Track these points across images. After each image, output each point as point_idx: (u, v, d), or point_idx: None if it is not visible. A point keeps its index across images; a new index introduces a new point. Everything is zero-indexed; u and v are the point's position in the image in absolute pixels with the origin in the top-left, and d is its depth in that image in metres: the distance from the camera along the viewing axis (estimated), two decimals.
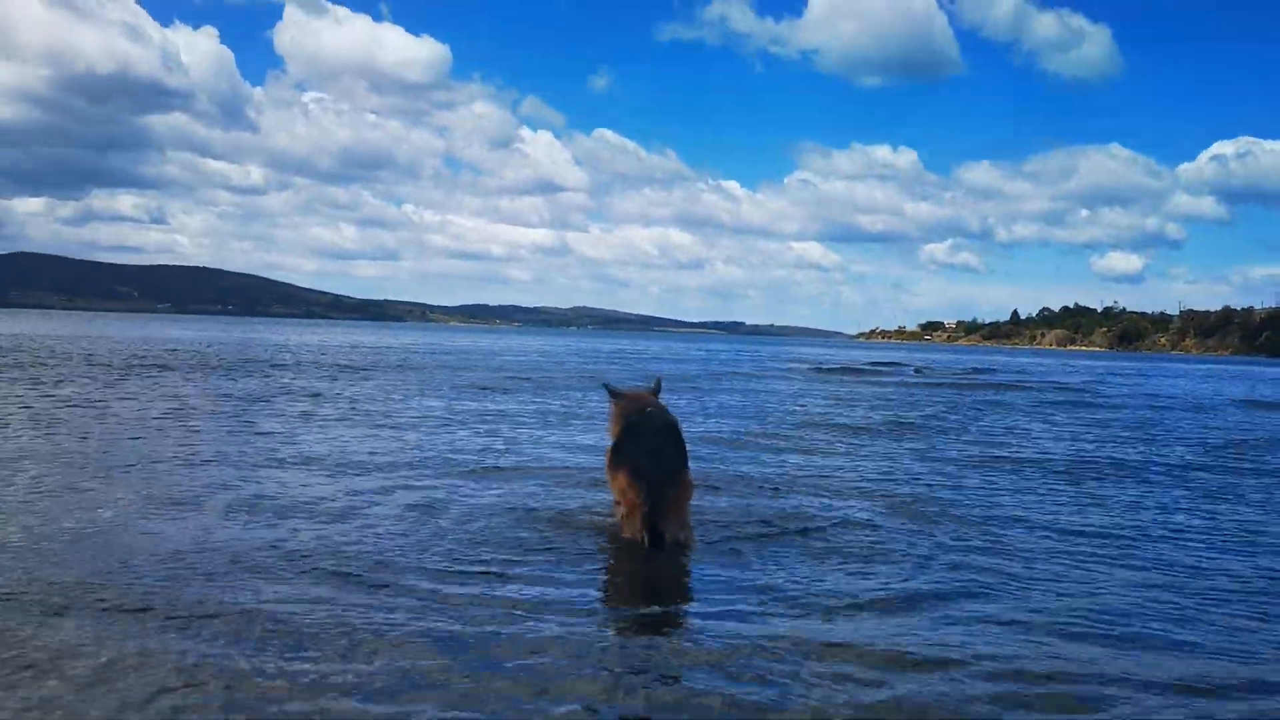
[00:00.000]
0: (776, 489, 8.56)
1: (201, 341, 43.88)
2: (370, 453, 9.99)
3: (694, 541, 6.21)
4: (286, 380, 20.17)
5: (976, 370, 43.21)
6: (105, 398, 15.11)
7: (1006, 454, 12.13)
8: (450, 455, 10.10)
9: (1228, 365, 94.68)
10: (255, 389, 17.45)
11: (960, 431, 14.70)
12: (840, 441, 12.78)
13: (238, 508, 7.02)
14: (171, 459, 9.11)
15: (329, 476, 8.49)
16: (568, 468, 9.46)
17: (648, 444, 6.10)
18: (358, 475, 8.56)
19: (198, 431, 11.17)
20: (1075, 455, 12.36)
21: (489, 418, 14.36)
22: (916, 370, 40.88)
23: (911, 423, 15.78)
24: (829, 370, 38.90)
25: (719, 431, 13.37)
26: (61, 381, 17.73)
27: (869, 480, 9.39)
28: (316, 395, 16.92)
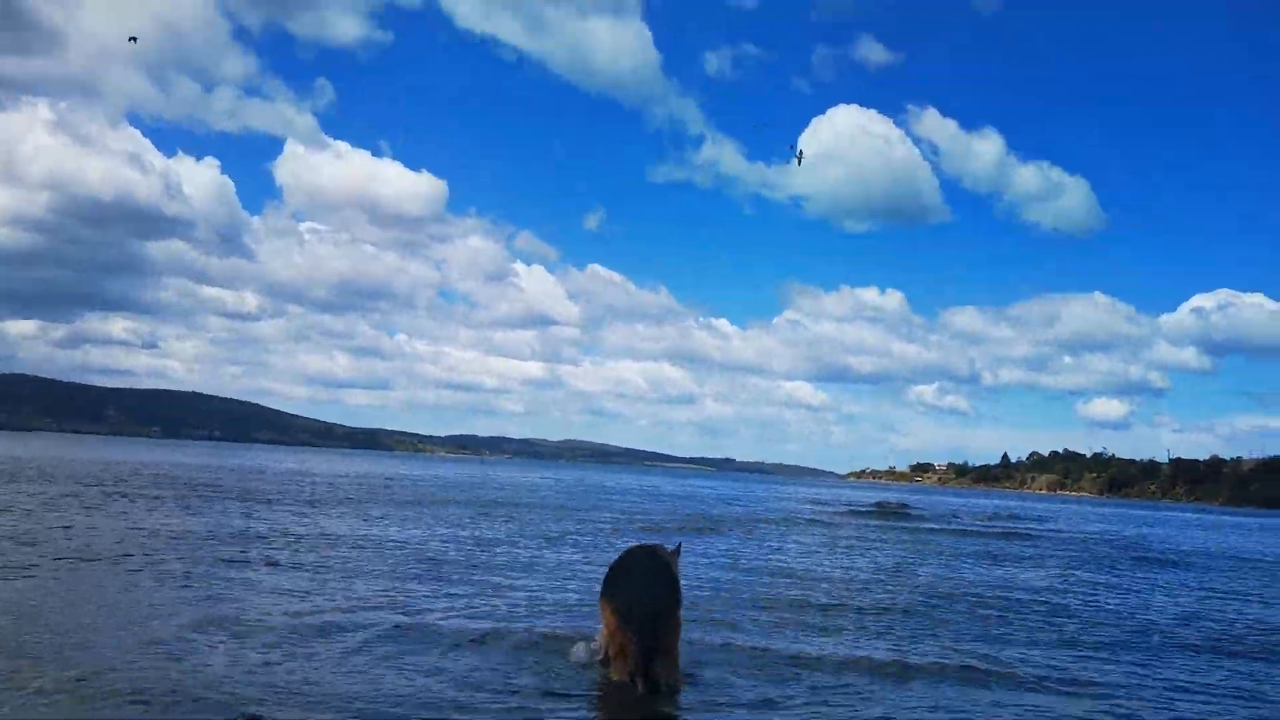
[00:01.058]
0: None
1: (185, 466, 42.91)
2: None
3: (681, 683, 6.02)
4: (255, 520, 19.19)
5: (996, 516, 42.12)
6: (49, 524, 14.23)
7: (1190, 637, 11.15)
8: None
9: (1233, 516, 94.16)
10: (215, 526, 16.49)
11: (1094, 610, 13.01)
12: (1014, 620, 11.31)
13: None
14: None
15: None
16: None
17: (637, 583, 5.94)
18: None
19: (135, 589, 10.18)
20: (1227, 630, 11.64)
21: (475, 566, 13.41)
22: (953, 515, 39.49)
23: (1046, 604, 14.30)
24: (863, 513, 38.20)
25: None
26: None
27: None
28: (278, 539, 15.97)
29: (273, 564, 11.39)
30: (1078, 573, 17.12)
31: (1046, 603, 13.50)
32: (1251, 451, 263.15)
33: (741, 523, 22.71)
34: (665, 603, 5.94)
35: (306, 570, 11.08)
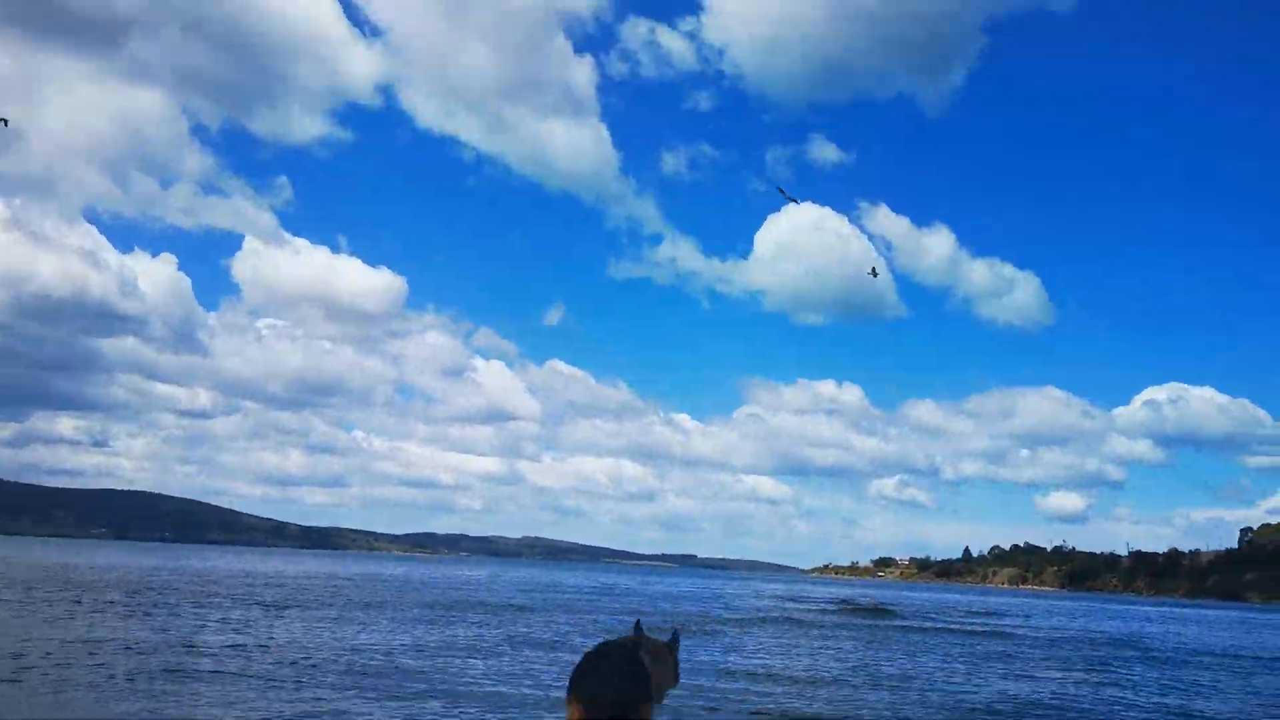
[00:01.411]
0: None
1: (134, 568, 41.46)
2: None
3: None
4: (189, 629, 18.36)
5: (973, 613, 41.38)
6: None
7: None
8: None
9: (1198, 610, 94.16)
10: (161, 633, 15.74)
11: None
12: None
13: None
14: None
15: None
16: None
17: (604, 677, 5.27)
18: None
19: None
20: None
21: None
22: (948, 614, 38.47)
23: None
24: (855, 610, 37.38)
25: None
26: None
27: None
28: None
29: (218, 672, 10.75)
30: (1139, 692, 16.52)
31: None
32: (1208, 543, 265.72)
33: (726, 623, 21.88)
34: (629, 694, 5.53)
35: (256, 679, 10.49)
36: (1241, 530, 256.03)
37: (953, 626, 27.78)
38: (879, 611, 34.72)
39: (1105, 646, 23.17)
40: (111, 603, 20.85)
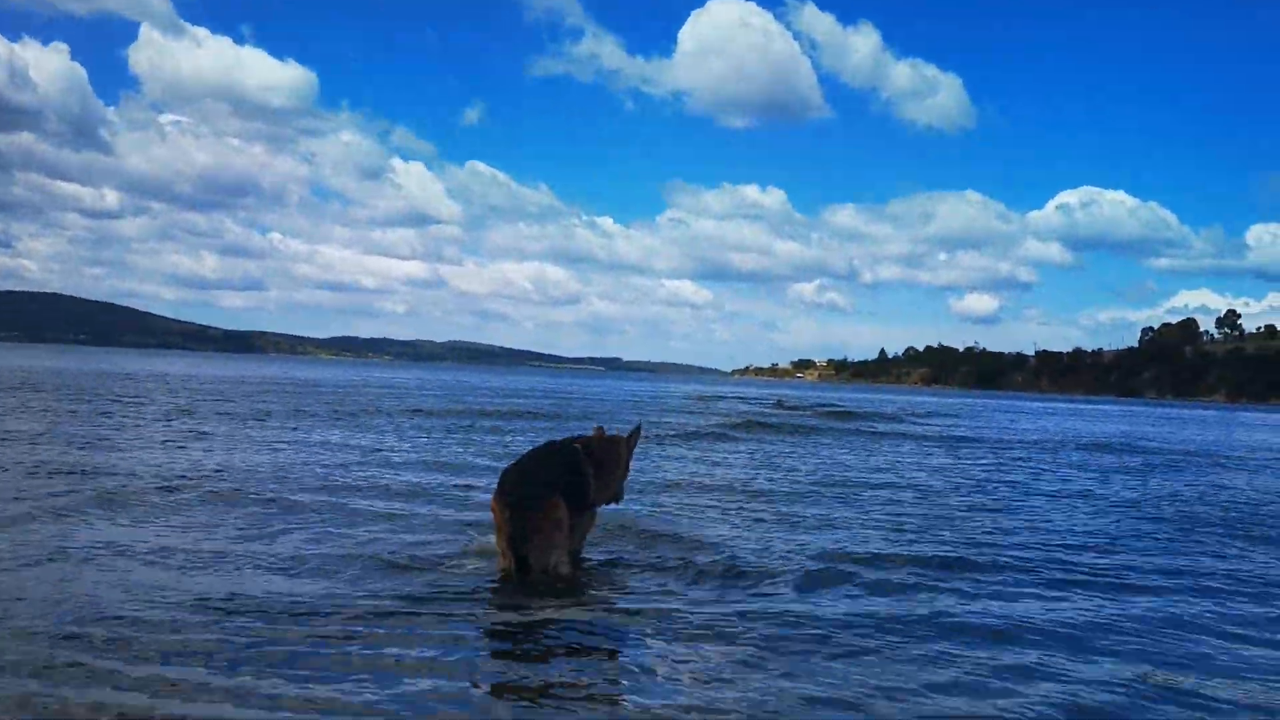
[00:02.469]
0: None
1: (48, 371, 41.04)
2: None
3: (565, 570, 6.07)
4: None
5: (928, 415, 40.41)
6: None
7: None
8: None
9: (1091, 404, 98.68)
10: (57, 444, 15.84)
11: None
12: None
13: None
14: None
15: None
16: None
17: (522, 467, 6.21)
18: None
19: None
20: None
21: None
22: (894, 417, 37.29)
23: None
24: (794, 408, 38.36)
25: None
26: None
27: None
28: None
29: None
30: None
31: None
32: (1111, 343, 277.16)
33: (700, 435, 21.34)
34: (539, 483, 6.06)
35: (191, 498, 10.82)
36: (1143, 330, 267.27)
37: (934, 433, 27.20)
38: (844, 415, 35.27)
39: (1124, 452, 23.29)
40: (30, 408, 20.75)
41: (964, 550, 7.93)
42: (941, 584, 6.61)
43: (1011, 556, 7.77)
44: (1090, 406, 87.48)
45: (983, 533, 9.07)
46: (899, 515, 9.97)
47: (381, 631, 4.91)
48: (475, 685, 4.33)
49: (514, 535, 5.92)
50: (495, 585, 6.02)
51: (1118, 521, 10.39)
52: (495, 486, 6.16)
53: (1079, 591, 6.67)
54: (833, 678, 4.52)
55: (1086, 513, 11.07)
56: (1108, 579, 7.13)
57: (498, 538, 6.13)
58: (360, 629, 4.92)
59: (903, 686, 4.43)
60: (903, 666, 4.74)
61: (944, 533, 8.92)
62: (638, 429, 7.26)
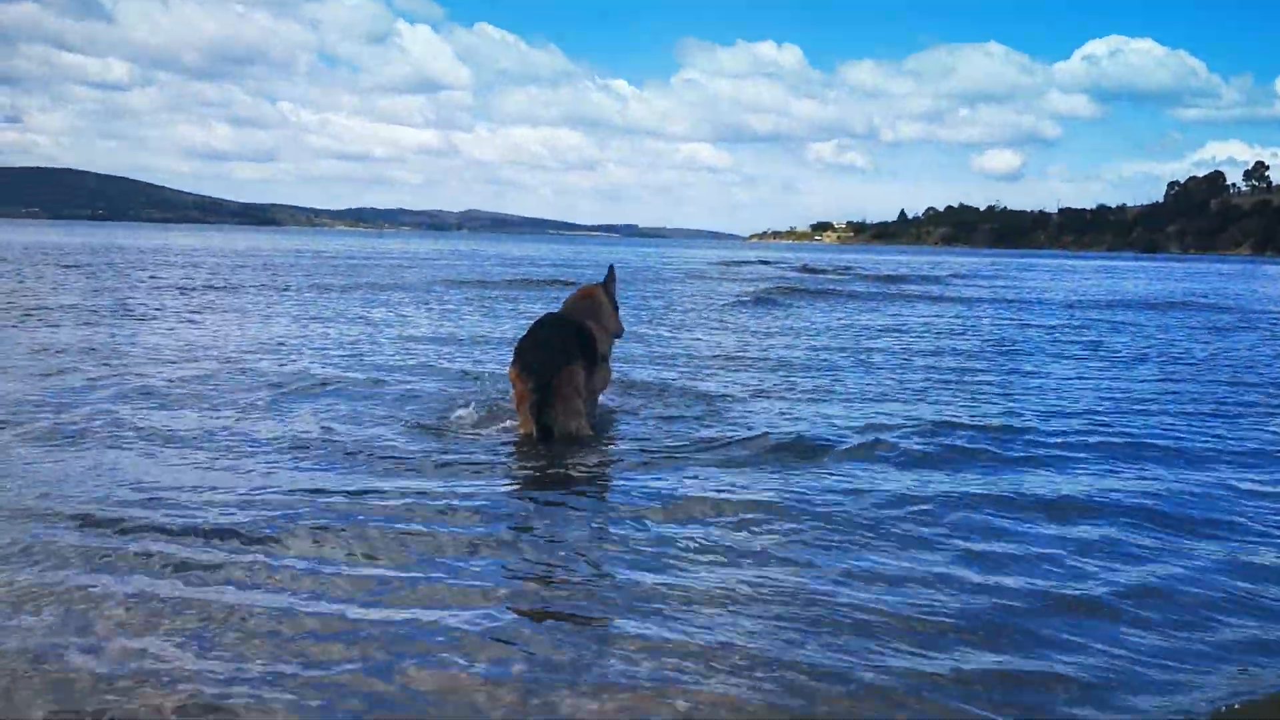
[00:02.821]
0: None
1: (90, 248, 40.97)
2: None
3: (588, 433, 6.30)
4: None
5: (955, 275, 39.48)
6: None
7: None
8: None
9: (1119, 262, 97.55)
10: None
11: None
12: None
13: None
14: None
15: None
16: None
17: (536, 337, 6.35)
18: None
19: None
20: None
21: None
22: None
23: None
24: (819, 271, 37.88)
25: None
26: None
27: None
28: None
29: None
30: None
31: None
32: (1136, 198, 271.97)
33: (751, 301, 20.94)
34: (559, 348, 6.23)
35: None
36: (1169, 184, 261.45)
37: (978, 295, 26.49)
38: (891, 279, 34.50)
39: (1211, 311, 22.52)
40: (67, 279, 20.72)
41: (1036, 419, 7.60)
42: (1004, 453, 6.33)
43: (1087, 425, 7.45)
44: (1109, 263, 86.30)
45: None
46: (964, 381, 9.69)
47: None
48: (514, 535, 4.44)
49: (538, 403, 6.06)
50: (519, 448, 6.15)
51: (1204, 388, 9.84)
52: (512, 358, 6.33)
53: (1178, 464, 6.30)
54: (876, 555, 4.31)
55: (1165, 375, 10.69)
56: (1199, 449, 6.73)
57: (518, 407, 6.28)
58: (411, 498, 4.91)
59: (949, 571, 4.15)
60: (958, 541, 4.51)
61: (1016, 400, 8.62)
62: (611, 270, 7.62)
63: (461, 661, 3.17)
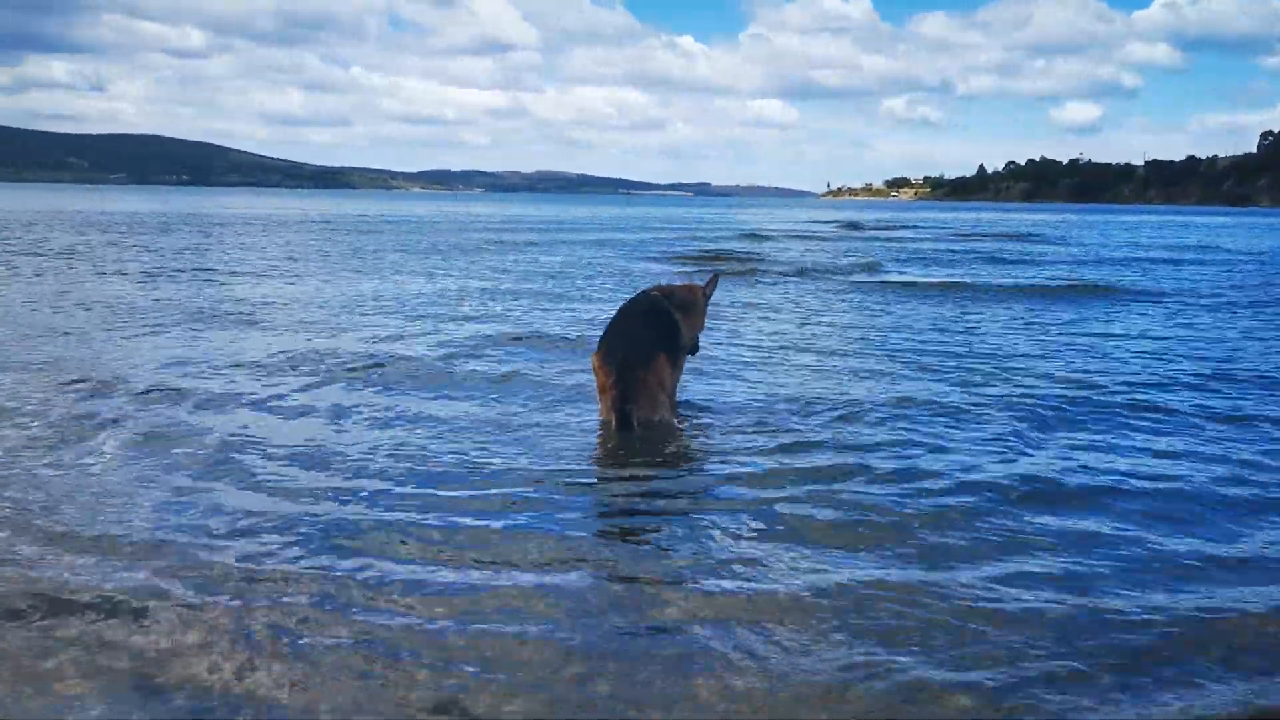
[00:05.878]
0: None
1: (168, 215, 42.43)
2: None
3: (670, 422, 6.13)
4: None
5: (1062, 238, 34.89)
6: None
7: None
8: None
9: (1204, 215, 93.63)
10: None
11: None
12: None
13: None
14: None
15: None
16: None
17: (622, 326, 6.32)
18: None
19: None
20: None
21: None
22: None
23: None
24: (969, 235, 35.67)
25: None
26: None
27: None
28: None
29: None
30: None
31: None
32: (1224, 150, 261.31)
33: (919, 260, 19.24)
34: (641, 341, 6.17)
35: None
36: (1262, 134, 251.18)
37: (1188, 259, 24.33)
38: (1018, 236, 32.79)
39: None
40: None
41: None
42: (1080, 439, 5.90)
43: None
44: (1202, 219, 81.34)
45: None
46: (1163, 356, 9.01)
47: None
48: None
49: (621, 395, 5.95)
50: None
51: None
52: (597, 346, 6.27)
53: None
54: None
55: None
56: None
57: (601, 396, 6.18)
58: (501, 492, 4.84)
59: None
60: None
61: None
62: (714, 278, 7.22)
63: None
